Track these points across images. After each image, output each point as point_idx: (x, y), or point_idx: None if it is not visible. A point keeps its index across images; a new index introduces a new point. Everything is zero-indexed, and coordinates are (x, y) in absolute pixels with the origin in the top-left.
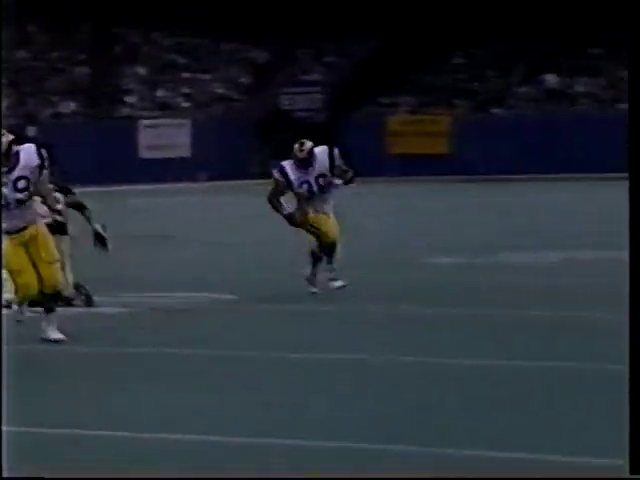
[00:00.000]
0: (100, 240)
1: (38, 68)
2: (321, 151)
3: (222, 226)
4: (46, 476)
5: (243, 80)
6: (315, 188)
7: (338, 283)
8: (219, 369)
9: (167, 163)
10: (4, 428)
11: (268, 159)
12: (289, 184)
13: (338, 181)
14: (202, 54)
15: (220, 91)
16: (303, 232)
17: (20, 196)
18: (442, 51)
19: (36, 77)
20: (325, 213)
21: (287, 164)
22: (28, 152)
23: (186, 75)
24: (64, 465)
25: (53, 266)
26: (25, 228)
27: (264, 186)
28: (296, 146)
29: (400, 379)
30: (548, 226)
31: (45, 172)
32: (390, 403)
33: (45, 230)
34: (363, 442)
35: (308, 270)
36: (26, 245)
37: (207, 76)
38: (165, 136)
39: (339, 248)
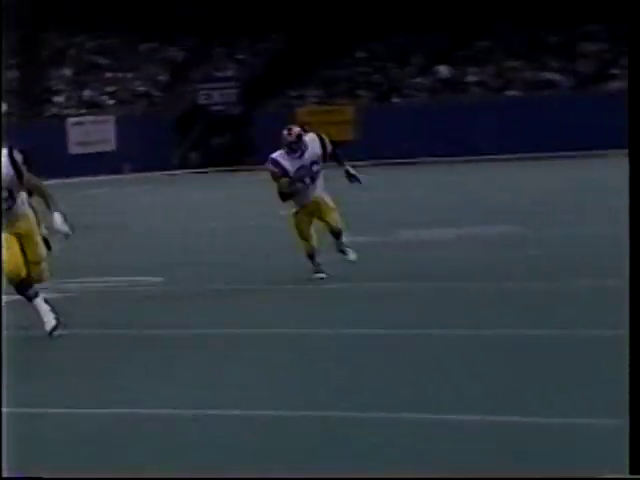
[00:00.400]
0: (46, 243)
1: None
2: (311, 139)
3: (147, 214)
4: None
5: (162, 78)
6: (308, 176)
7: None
8: (161, 348)
9: (94, 158)
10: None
11: (187, 151)
12: (285, 172)
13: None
14: (123, 55)
15: (141, 89)
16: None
17: (5, 206)
18: (345, 46)
19: None
20: (320, 197)
21: (277, 155)
22: (3, 164)
23: (109, 75)
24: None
25: (40, 266)
26: (16, 221)
27: (182, 176)
28: (285, 132)
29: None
30: (446, 204)
31: (25, 177)
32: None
33: (35, 228)
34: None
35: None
36: (18, 236)
37: (129, 75)
38: (91, 132)
39: (344, 226)
